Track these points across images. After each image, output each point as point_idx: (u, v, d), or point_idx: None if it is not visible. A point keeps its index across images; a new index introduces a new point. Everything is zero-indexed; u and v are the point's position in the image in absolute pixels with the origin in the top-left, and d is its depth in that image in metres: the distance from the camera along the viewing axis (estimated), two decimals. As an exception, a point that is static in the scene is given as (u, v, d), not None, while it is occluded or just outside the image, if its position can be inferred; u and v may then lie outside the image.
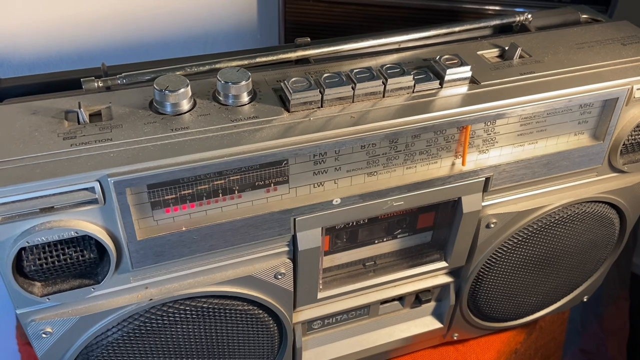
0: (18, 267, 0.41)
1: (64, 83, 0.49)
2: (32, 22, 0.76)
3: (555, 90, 0.49)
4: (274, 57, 0.51)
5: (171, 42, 0.86)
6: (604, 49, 0.54)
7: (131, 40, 0.83)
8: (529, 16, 0.59)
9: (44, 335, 0.44)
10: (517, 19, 0.59)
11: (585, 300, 0.72)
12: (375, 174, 0.49)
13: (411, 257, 0.58)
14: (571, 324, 0.94)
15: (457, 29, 0.57)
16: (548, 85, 0.49)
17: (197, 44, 0.87)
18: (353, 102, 0.46)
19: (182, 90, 0.43)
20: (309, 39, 0.54)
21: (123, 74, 0.46)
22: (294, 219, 0.48)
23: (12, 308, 0.83)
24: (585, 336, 1.06)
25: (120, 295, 0.46)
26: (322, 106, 0.46)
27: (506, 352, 0.71)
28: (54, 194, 0.38)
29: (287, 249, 0.50)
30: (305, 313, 0.57)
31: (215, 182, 0.44)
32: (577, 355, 1.05)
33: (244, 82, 0.45)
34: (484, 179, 0.52)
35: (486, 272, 0.60)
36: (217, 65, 0.49)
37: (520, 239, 0.58)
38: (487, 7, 0.77)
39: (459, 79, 0.48)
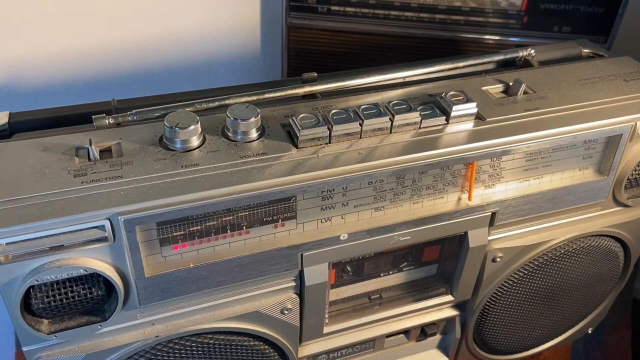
0: (26, 304, 0.41)
1: (73, 117, 0.50)
2: (38, 52, 0.77)
3: (560, 127, 0.49)
4: (282, 93, 0.51)
5: (176, 70, 0.87)
6: (607, 85, 0.55)
7: (137, 69, 0.84)
8: (532, 51, 0.60)
9: (49, 373, 0.44)
10: (520, 54, 0.60)
11: (589, 332, 0.72)
12: (382, 209, 0.49)
13: (417, 290, 0.58)
14: (574, 352, 0.94)
15: (461, 64, 0.58)
16: (553, 122, 0.50)
17: (202, 71, 0.88)
18: (361, 137, 0.47)
19: (192, 127, 0.44)
20: (315, 74, 0.55)
21: (134, 111, 0.47)
22: (302, 255, 0.48)
23: (12, 335, 0.83)
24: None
25: (126, 332, 0.45)
26: (330, 142, 0.46)
27: (511, 384, 0.71)
28: (63, 233, 0.38)
29: (293, 284, 0.50)
30: (311, 347, 0.57)
31: (224, 219, 0.44)
32: (581, 384, 1.04)
33: (253, 119, 0.45)
34: (490, 213, 0.53)
35: (492, 306, 0.60)
36: (226, 102, 0.49)
37: (526, 272, 0.58)
38: (487, 37, 0.78)
39: (465, 115, 0.49)
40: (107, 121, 0.46)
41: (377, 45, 0.80)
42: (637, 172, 0.56)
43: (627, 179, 0.55)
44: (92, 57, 0.80)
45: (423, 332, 0.62)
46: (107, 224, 0.39)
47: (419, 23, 0.78)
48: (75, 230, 0.39)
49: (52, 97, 0.80)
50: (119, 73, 0.83)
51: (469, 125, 0.49)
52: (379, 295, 0.57)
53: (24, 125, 0.49)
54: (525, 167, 0.52)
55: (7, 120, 0.49)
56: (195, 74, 0.88)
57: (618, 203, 0.58)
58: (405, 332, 0.62)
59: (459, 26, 0.78)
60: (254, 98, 0.50)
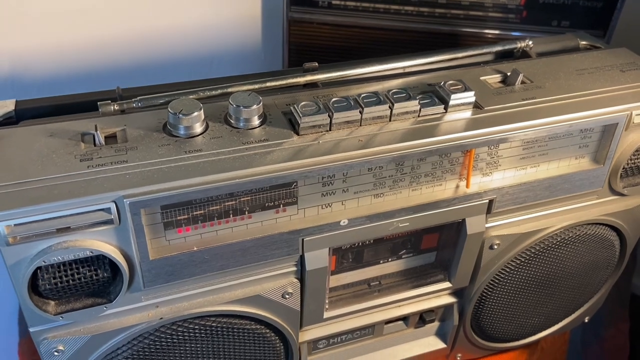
0: (33, 285, 0.42)
1: (78, 105, 0.50)
2: (42, 44, 0.78)
3: (557, 115, 0.50)
4: (283, 82, 0.52)
5: (178, 63, 0.87)
6: (603, 75, 0.56)
7: (140, 62, 0.85)
8: (530, 43, 0.61)
9: (55, 354, 0.45)
10: (518, 45, 0.61)
11: (586, 321, 0.73)
12: (381, 195, 0.50)
13: (415, 277, 0.59)
14: (572, 344, 0.95)
15: (460, 54, 0.59)
16: (549, 110, 0.51)
17: (203, 65, 0.89)
18: (361, 125, 0.48)
19: (196, 113, 0.45)
20: (316, 64, 0.56)
21: (139, 98, 0.48)
22: (302, 240, 0.49)
23: (15, 325, 0.84)
24: (586, 357, 1.06)
25: (131, 314, 0.46)
26: (330, 129, 0.47)
27: (509, 372, 0.72)
28: (70, 215, 0.39)
29: (294, 269, 0.51)
30: (311, 332, 0.58)
31: (226, 203, 0.45)
32: (579, 377, 1.05)
33: (255, 106, 0.46)
34: (487, 201, 0.53)
35: (489, 293, 0.61)
36: (229, 90, 0.50)
37: (523, 260, 0.59)
38: (487, 32, 0.79)
39: (463, 104, 0.50)
40: (112, 108, 0.47)
41: (378, 39, 0.81)
42: (632, 161, 0.56)
43: (623, 168, 0.56)
44: (95, 49, 0.81)
45: (421, 319, 0.63)
46: (113, 206, 0.40)
47: (418, 17, 0.78)
48: (82, 213, 0.40)
49: (55, 89, 0.81)
50: (123, 66, 0.84)
51: (467, 113, 0.50)
52: (378, 282, 0.58)
53: (30, 112, 0.50)
54: (522, 155, 0.53)
55: (13, 108, 0.50)
56: (197, 68, 0.89)
57: (614, 192, 0.58)
58: (404, 318, 0.63)
59: (459, 20, 0.79)
60: (256, 87, 0.51)
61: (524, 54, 0.61)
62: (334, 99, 0.47)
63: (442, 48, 0.59)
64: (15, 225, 0.38)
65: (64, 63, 0.81)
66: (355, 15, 0.79)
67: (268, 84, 0.51)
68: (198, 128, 0.45)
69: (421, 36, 0.80)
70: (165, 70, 0.87)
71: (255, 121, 0.47)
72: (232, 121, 0.47)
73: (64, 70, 0.81)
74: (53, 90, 0.81)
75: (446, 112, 0.50)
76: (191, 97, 0.48)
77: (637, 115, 0.53)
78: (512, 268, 0.59)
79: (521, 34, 0.78)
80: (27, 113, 0.50)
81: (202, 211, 0.45)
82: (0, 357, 0.93)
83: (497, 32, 0.79)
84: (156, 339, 0.48)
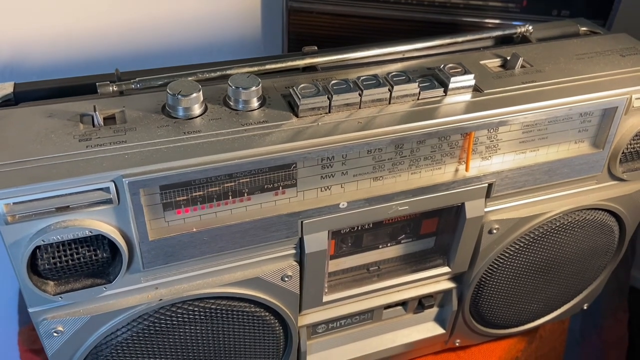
0: (32, 265, 0.42)
1: (77, 88, 0.50)
2: (41, 31, 0.77)
3: (556, 98, 0.50)
4: (283, 65, 0.52)
5: (177, 53, 0.87)
6: (603, 59, 0.56)
7: (138, 50, 0.85)
8: (530, 28, 0.61)
9: (55, 334, 0.45)
10: (518, 30, 0.61)
11: (585, 308, 0.73)
12: (381, 178, 0.50)
13: (414, 262, 0.59)
14: (571, 334, 0.95)
15: (459, 39, 0.59)
16: (549, 93, 0.51)
17: (203, 54, 0.89)
18: (360, 108, 0.48)
19: (194, 95, 0.45)
20: (315, 48, 0.56)
21: (137, 79, 0.48)
22: (302, 222, 0.49)
23: (15, 314, 0.84)
24: (585, 347, 1.07)
25: (130, 295, 0.46)
26: (329, 112, 0.47)
27: (507, 359, 0.72)
28: (69, 194, 0.39)
29: (294, 251, 0.51)
30: (311, 316, 0.58)
31: (226, 185, 0.45)
32: (578, 367, 1.06)
33: (254, 88, 0.46)
34: (486, 185, 0.53)
35: (488, 278, 0.61)
36: (228, 72, 0.50)
37: (522, 245, 0.59)
38: (487, 21, 0.79)
39: (463, 87, 0.50)
40: (110, 89, 0.47)
41: (377, 29, 0.81)
42: (632, 145, 0.56)
43: (622, 153, 0.56)
44: (96, 37, 0.81)
45: (420, 304, 0.63)
46: (112, 186, 0.40)
47: (418, 6, 0.78)
48: (81, 192, 0.40)
49: (54, 76, 0.81)
50: (122, 54, 0.84)
51: (466, 96, 0.50)
52: (377, 267, 0.58)
53: (29, 95, 0.50)
54: (521, 139, 0.53)
55: (12, 90, 0.50)
56: (196, 58, 0.88)
57: (613, 177, 0.58)
58: (403, 304, 0.63)
59: (459, 10, 0.78)
60: (255, 69, 0.51)
61: (524, 39, 0.61)
62: (333, 82, 0.47)
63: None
64: (14, 203, 0.38)
65: (63, 53, 0.80)
66: (355, 4, 0.78)
67: (267, 67, 0.51)
68: (197, 110, 0.45)
69: (421, 25, 0.79)
70: (165, 60, 0.87)
71: (254, 103, 0.47)
72: (231, 103, 0.47)
73: (63, 59, 0.81)
74: (52, 77, 0.81)
75: (446, 95, 0.50)
76: (190, 79, 0.48)
77: (636, 99, 0.53)
78: (511, 253, 0.59)
79: (521, 23, 0.78)
80: (26, 96, 0.50)
81: (201, 192, 0.45)
82: (0, 346, 0.93)
83: (497, 21, 0.79)
84: (155, 320, 0.48)
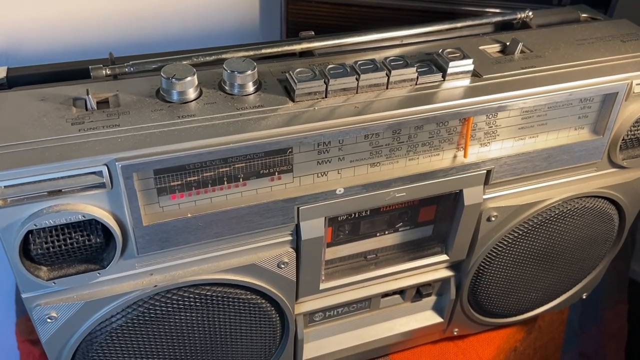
0: (25, 250, 0.41)
1: (71, 73, 0.50)
2: (37, 18, 0.77)
3: (556, 83, 0.49)
4: (279, 49, 0.52)
5: (174, 41, 0.87)
6: (603, 45, 0.55)
7: (135, 39, 0.84)
8: (530, 14, 0.60)
9: (48, 320, 0.45)
10: (518, 16, 0.60)
11: (584, 297, 0.73)
12: (378, 164, 0.50)
13: (412, 250, 0.59)
14: (569, 325, 0.95)
15: (459, 25, 0.58)
16: (549, 79, 0.50)
17: (200, 43, 0.88)
18: (357, 93, 0.47)
19: (189, 78, 0.44)
20: (312, 33, 0.55)
21: (131, 62, 0.47)
22: (298, 208, 0.48)
23: (12, 305, 0.83)
24: (584, 339, 1.07)
25: (125, 281, 0.46)
26: (326, 96, 0.46)
27: (505, 349, 0.72)
28: (62, 177, 0.39)
29: (290, 238, 0.50)
30: (307, 304, 0.58)
31: (221, 170, 0.45)
32: (576, 358, 1.05)
33: (249, 72, 0.45)
34: (485, 171, 0.53)
35: (486, 266, 0.61)
36: (223, 56, 0.49)
37: (521, 233, 0.58)
38: (486, 10, 0.78)
39: (462, 72, 0.49)
40: (104, 72, 0.46)
41: (376, 18, 0.80)
42: (632, 132, 0.56)
43: (623, 140, 0.56)
44: (92, 25, 0.80)
45: (418, 292, 0.63)
46: (105, 169, 0.40)
47: (418, -5, 0.78)
48: (73, 175, 0.39)
49: (50, 64, 0.81)
50: (118, 42, 0.83)
51: (465, 81, 0.49)
52: (375, 255, 0.58)
53: (22, 79, 0.49)
54: (521, 125, 0.52)
55: (5, 75, 0.49)
56: (193, 46, 0.87)
57: (613, 164, 0.58)
58: (401, 292, 0.63)
59: (459, -2, 0.78)
60: (251, 53, 0.50)
61: (524, 25, 0.60)
62: (330, 66, 0.47)
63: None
64: (5, 187, 0.38)
65: (58, 41, 0.80)
66: (354, -7, 0.78)
67: (263, 51, 0.51)
68: (191, 94, 0.45)
69: (420, 15, 0.79)
70: (161, 48, 0.86)
71: (250, 87, 0.46)
72: (227, 87, 0.46)
73: (59, 48, 0.80)
74: (47, 64, 0.81)
75: (444, 80, 0.49)
76: (185, 62, 0.47)
77: (637, 84, 0.52)
78: (510, 241, 0.59)
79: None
80: (19, 80, 0.49)
81: (196, 177, 0.44)
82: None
83: (497, 11, 0.78)
84: (150, 307, 0.47)
